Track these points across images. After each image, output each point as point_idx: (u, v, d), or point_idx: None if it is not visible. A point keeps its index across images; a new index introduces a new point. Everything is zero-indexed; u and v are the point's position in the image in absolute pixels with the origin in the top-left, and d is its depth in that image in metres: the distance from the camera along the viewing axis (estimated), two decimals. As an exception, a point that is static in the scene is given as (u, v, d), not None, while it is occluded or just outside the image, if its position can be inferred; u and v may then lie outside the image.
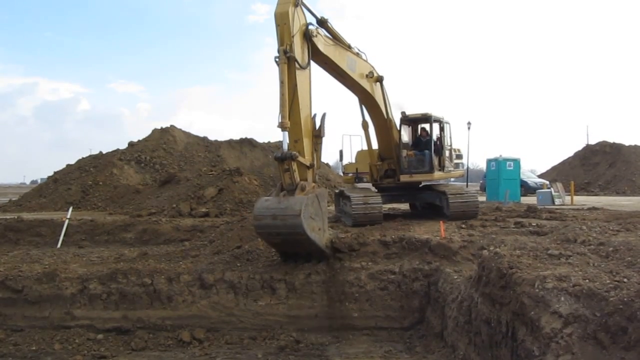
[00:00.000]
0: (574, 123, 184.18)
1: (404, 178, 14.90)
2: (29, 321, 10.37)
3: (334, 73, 12.77)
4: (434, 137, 15.53)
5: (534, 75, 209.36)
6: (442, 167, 15.34)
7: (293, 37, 10.22)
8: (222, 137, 29.02)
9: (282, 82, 10.03)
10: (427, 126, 15.63)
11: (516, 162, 25.40)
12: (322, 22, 11.93)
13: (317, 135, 11.19)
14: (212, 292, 10.23)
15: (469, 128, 40.81)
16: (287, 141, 10.22)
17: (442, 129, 15.56)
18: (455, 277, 8.92)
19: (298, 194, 9.79)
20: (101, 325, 10.16)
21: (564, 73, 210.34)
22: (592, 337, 4.33)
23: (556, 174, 41.94)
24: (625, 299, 4.31)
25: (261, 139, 29.50)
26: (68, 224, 15.66)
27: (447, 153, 15.87)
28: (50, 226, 15.85)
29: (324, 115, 11.34)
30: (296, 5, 10.40)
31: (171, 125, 29.21)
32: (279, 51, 10.18)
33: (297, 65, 10.31)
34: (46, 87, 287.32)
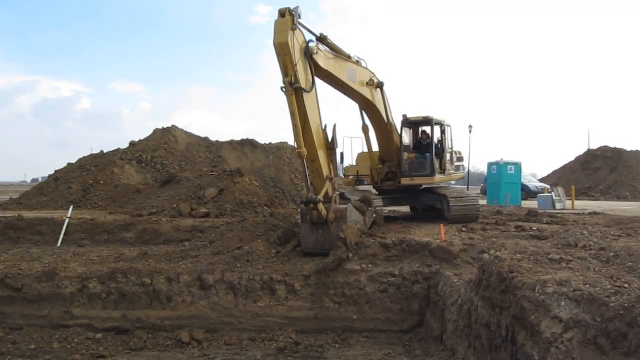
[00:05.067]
0: (575, 127, 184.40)
1: (405, 181, 14.90)
2: (28, 320, 10.37)
3: (335, 85, 12.79)
4: (435, 140, 15.55)
5: (536, 80, 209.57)
6: (443, 170, 15.36)
7: (296, 65, 10.25)
8: (223, 137, 28.93)
9: (292, 114, 10.32)
10: (428, 129, 15.65)
11: (517, 166, 25.40)
12: (322, 39, 11.90)
13: (331, 148, 11.64)
14: (211, 293, 10.22)
15: (470, 131, 40.89)
16: (306, 168, 10.81)
17: (443, 132, 15.61)
18: (456, 280, 8.91)
19: (333, 229, 10.78)
20: (100, 325, 10.16)
21: (566, 77, 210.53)
22: (592, 342, 4.31)
23: (557, 178, 41.94)
24: (626, 305, 4.30)
25: (262, 140, 29.48)
26: (68, 223, 15.64)
27: (448, 156, 15.88)
28: (51, 225, 15.82)
29: (334, 127, 11.64)
30: (294, 30, 10.34)
31: (173, 126, 29.20)
32: (284, 82, 10.31)
33: (304, 92, 10.48)
34: (47, 85, 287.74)
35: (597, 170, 41.41)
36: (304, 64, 10.72)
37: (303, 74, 10.55)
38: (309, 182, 10.89)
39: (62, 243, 14.96)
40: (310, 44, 11.01)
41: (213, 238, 13.06)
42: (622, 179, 38.48)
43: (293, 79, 10.20)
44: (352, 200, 14.22)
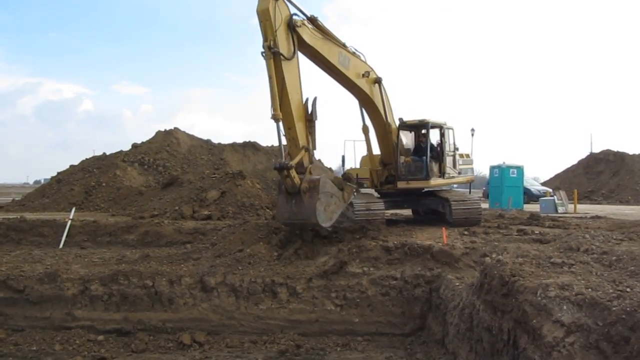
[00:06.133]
0: (577, 131, 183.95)
1: (401, 185, 14.87)
2: (30, 321, 10.38)
3: (325, 68, 12.97)
4: (434, 143, 15.52)
5: (538, 83, 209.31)
6: (442, 174, 15.25)
7: (276, 31, 10.67)
8: (225, 140, 28.90)
9: (270, 77, 10.66)
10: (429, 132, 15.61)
11: (519, 169, 25.34)
12: (312, 20, 12.17)
13: (310, 120, 11.73)
14: (213, 295, 10.23)
15: (472, 134, 40.78)
16: (282, 130, 11.00)
17: (442, 135, 15.47)
18: (457, 283, 8.91)
19: (306, 200, 10.74)
20: (102, 327, 10.17)
21: (569, 81, 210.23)
22: (594, 346, 4.31)
23: (559, 181, 41.86)
24: (628, 309, 4.29)
25: (264, 142, 29.50)
26: (70, 225, 15.67)
27: (449, 159, 15.77)
28: (53, 226, 15.86)
29: (315, 100, 11.80)
30: (277, 0, 10.75)
31: (175, 128, 29.26)
32: (264, 47, 10.70)
33: (282, 58, 10.83)
34: (50, 87, 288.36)
35: (600, 174, 41.33)
36: (286, 34, 11.09)
37: (284, 42, 10.96)
38: (282, 149, 11.08)
39: (64, 245, 15.00)
40: (296, 18, 11.35)
41: (215, 240, 13.06)
42: (624, 183, 38.39)
43: (272, 44, 10.59)
44: (354, 201, 14.24)
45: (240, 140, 28.73)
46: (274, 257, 11.27)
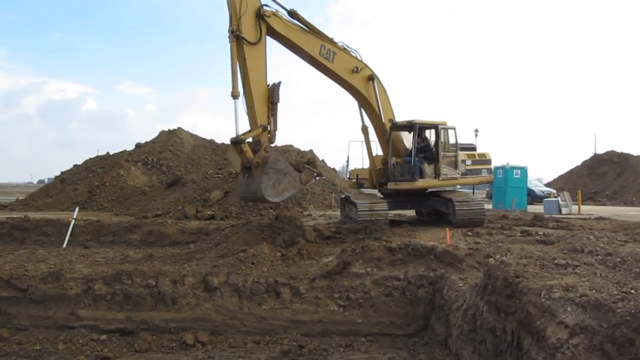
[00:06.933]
0: (581, 132, 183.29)
1: (391, 186, 14.90)
2: (33, 320, 10.40)
3: (309, 60, 13.70)
4: (430, 144, 15.37)
5: (542, 84, 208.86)
6: (437, 174, 14.93)
7: (240, 18, 11.79)
8: (229, 139, 28.94)
9: (231, 58, 11.78)
10: (426, 132, 15.50)
11: (523, 170, 25.30)
12: (292, 14, 13.16)
13: (272, 102, 12.49)
14: (216, 295, 10.22)
15: (476, 135, 40.72)
16: (239, 108, 12.00)
17: (438, 135, 15.09)
18: (461, 284, 8.88)
19: (256, 174, 11.75)
20: (105, 326, 10.18)
21: (573, 82, 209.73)
22: (598, 348, 4.29)
23: (563, 183, 41.79)
24: (632, 311, 4.27)
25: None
26: (74, 224, 15.70)
27: (448, 159, 15.31)
28: (57, 226, 15.90)
29: (278, 84, 12.62)
30: None
31: (178, 128, 29.34)
32: (228, 31, 11.79)
33: (246, 42, 11.89)
34: (53, 87, 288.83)
35: (604, 175, 41.23)
36: (253, 21, 12.16)
37: (250, 29, 12.06)
38: (236, 125, 11.89)
39: (67, 244, 15.03)
40: (265, 8, 12.43)
41: (218, 240, 13.07)
42: (628, 184, 38.29)
43: (235, 28, 11.73)
44: (357, 201, 14.25)
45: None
46: (277, 257, 11.27)
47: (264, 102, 12.30)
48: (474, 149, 16.66)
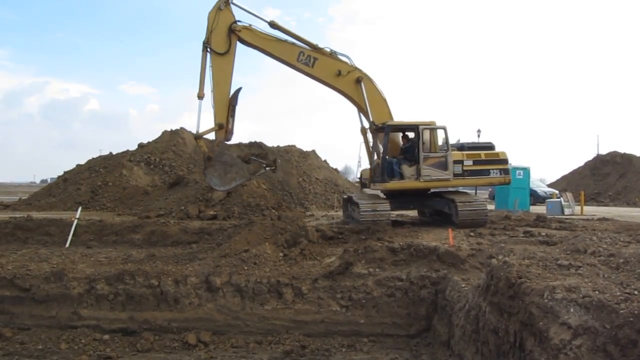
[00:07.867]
0: (584, 132, 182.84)
1: (372, 187, 15.26)
2: (35, 320, 10.41)
3: (290, 66, 14.93)
4: (419, 143, 15.21)
5: (544, 85, 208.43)
6: (419, 175, 14.67)
7: (211, 32, 14.00)
8: (231, 140, 28.92)
9: (201, 65, 14.03)
10: (410, 134, 15.44)
11: (526, 170, 25.28)
12: (273, 25, 14.74)
13: (232, 105, 14.22)
14: (218, 295, 10.23)
15: (479, 136, 40.76)
16: (202, 109, 14.13)
17: (419, 136, 14.82)
18: (463, 285, 8.87)
19: (208, 166, 13.96)
20: (107, 326, 10.18)
21: (575, 82, 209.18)
22: (601, 349, 4.27)
23: (566, 183, 41.77)
24: (635, 312, 4.26)
25: (270, 142, 29.50)
26: (77, 224, 15.71)
27: (434, 160, 14.92)
28: (59, 226, 15.91)
29: (238, 89, 14.50)
30: (220, 9, 14.09)
31: (181, 128, 29.32)
32: (202, 42, 14.06)
33: (215, 53, 14.03)
34: (56, 86, 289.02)
35: (606, 176, 41.18)
36: (224, 34, 14.13)
37: (221, 42, 14.10)
38: (198, 122, 14.09)
39: (70, 244, 15.03)
40: (239, 23, 14.28)
41: (220, 240, 13.08)
42: (631, 185, 38.23)
43: (206, 40, 14.02)
44: (359, 202, 14.29)
45: (246, 141, 28.74)
46: (280, 257, 11.28)
47: (225, 105, 14.09)
48: (491, 147, 15.88)
